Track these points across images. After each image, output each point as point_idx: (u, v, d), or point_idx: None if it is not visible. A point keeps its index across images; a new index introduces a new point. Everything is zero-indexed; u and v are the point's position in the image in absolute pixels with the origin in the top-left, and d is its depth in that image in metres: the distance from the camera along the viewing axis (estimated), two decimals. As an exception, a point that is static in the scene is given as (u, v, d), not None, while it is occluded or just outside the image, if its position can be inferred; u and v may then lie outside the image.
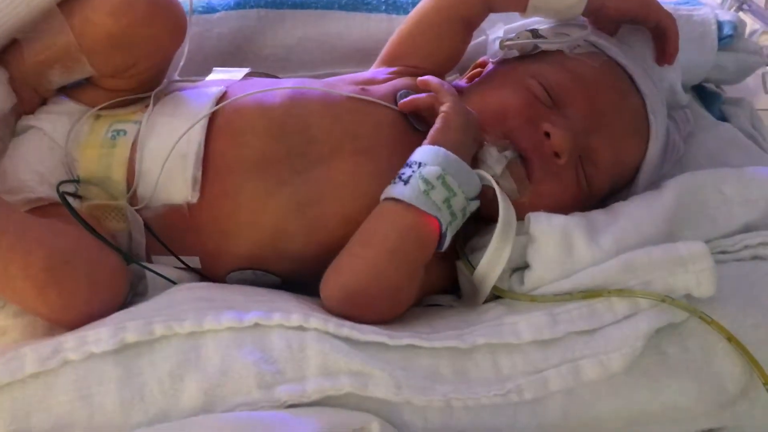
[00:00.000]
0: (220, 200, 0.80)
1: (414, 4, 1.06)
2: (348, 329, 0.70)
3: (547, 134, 0.81)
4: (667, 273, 0.74)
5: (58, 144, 0.82)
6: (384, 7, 1.06)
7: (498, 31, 0.99)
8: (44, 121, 0.83)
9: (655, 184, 0.88)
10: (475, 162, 0.81)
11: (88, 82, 0.85)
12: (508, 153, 0.81)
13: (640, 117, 0.88)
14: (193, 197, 0.79)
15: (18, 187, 0.79)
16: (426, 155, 0.76)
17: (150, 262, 0.82)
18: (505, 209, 0.77)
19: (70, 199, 0.77)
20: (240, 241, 0.81)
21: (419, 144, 0.79)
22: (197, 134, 0.80)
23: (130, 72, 0.83)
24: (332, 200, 0.80)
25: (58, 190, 0.77)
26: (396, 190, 0.75)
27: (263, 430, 0.63)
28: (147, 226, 0.80)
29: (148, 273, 0.79)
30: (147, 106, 0.85)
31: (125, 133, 0.82)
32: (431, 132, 0.80)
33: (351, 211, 0.79)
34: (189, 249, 0.82)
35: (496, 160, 0.81)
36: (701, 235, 0.79)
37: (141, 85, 0.85)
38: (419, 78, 0.86)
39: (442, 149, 0.77)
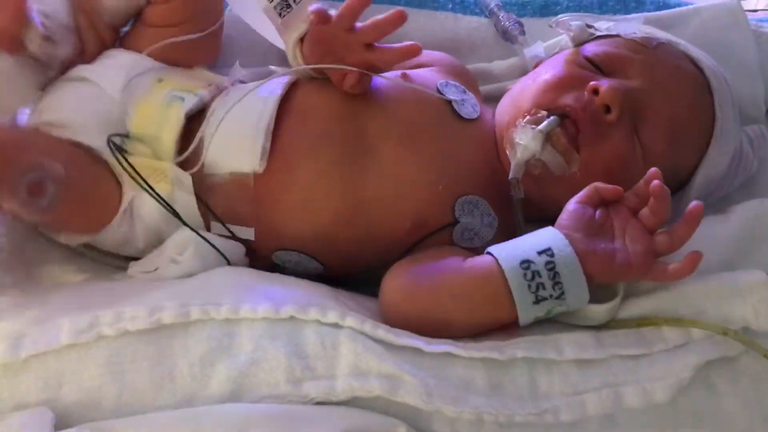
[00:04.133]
0: (279, 173, 0.82)
1: (477, 5, 1.04)
2: (384, 331, 0.69)
3: (596, 91, 0.78)
4: (722, 302, 0.70)
5: (111, 97, 0.85)
6: (451, 5, 1.06)
7: (535, 49, 0.99)
8: (100, 75, 0.87)
9: (721, 209, 0.83)
10: (510, 147, 0.80)
11: (139, 22, 0.91)
12: (543, 126, 0.78)
13: (701, 95, 0.83)
14: (261, 167, 0.81)
15: (60, 124, 0.82)
16: (575, 296, 0.70)
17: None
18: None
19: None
20: (290, 218, 0.82)
21: (463, 130, 0.82)
22: (269, 110, 0.83)
23: None
24: (376, 186, 0.81)
25: (108, 141, 0.80)
26: (517, 281, 0.70)
27: (286, 424, 0.62)
28: (197, 195, 0.82)
29: (194, 242, 0.80)
30: (210, 85, 0.88)
31: (182, 99, 0.85)
32: (606, 265, 0.71)
33: (392, 197, 0.81)
34: (245, 221, 0.83)
35: (531, 137, 0.78)
36: (766, 267, 0.74)
37: (190, 17, 0.90)
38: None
39: (590, 304, 0.72)
